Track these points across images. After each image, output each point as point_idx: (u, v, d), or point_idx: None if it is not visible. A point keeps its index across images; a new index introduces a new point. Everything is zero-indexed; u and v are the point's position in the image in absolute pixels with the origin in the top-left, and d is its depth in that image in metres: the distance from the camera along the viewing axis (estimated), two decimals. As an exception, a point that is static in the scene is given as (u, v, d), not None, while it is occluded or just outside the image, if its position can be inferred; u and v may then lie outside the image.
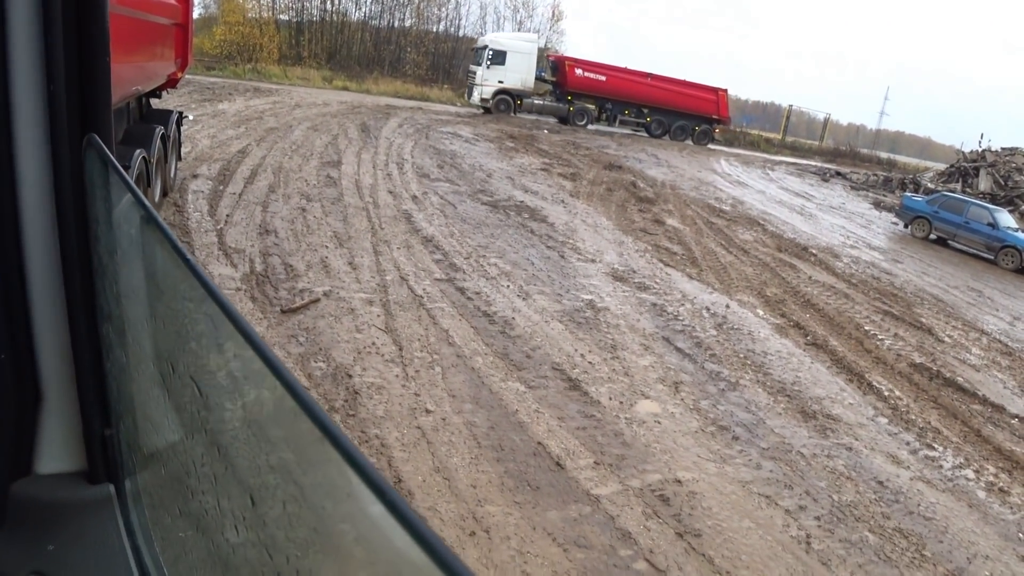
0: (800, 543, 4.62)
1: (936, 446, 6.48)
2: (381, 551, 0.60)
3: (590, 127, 32.62)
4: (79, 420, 1.23)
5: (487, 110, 31.13)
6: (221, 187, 10.86)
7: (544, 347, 6.89)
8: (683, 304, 9.04)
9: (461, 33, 46.23)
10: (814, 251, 14.02)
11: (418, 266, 8.61)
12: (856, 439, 6.29)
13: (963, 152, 30.48)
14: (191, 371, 0.96)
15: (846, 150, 48.21)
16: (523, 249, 10.23)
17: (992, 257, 18.08)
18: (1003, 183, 26.58)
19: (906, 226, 20.18)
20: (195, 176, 11.22)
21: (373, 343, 6.32)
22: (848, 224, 19.31)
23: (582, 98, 32.76)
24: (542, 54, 35.46)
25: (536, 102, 32.30)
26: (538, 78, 32.77)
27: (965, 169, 28.43)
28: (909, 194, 23.61)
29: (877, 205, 24.99)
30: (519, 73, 31.39)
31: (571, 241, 11.18)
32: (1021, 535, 5.33)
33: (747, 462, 5.51)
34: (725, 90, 35.11)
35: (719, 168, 26.90)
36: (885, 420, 6.81)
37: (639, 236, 12.56)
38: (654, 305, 8.77)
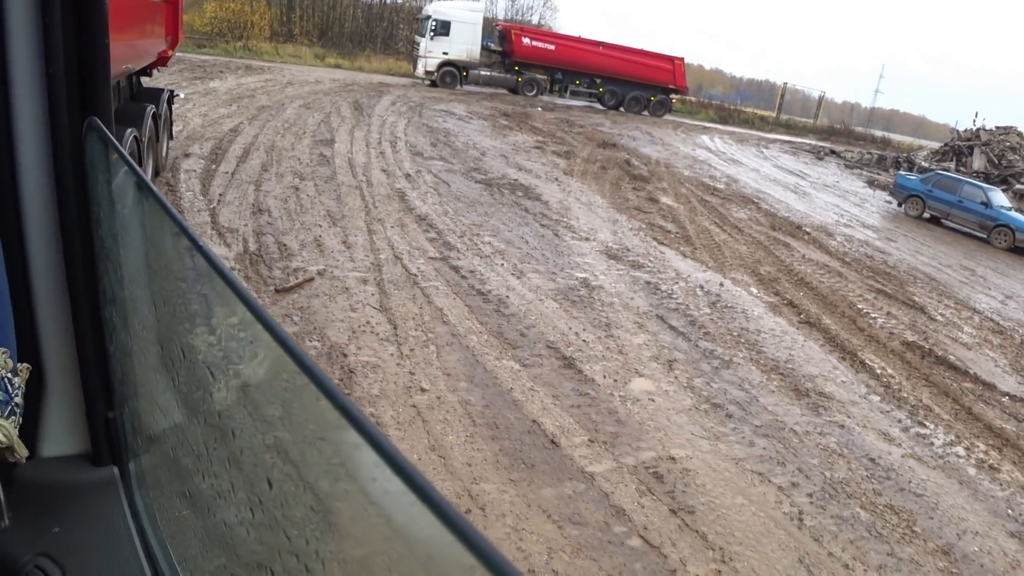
0: (792, 519, 4.67)
1: (927, 424, 6.53)
2: (391, 529, 0.60)
3: (542, 98, 31.68)
4: (82, 403, 1.23)
5: (433, 83, 30.11)
6: (213, 166, 10.79)
7: (538, 325, 6.90)
8: (677, 282, 9.05)
9: (454, 10, 45.82)
10: (808, 230, 14.04)
11: (412, 245, 8.59)
12: (848, 417, 6.34)
13: (957, 131, 30.47)
14: (195, 352, 0.96)
15: (840, 128, 48.14)
16: (517, 227, 10.21)
17: (985, 236, 18.13)
18: (997, 162, 26.59)
19: (900, 205, 20.21)
20: (187, 155, 11.14)
21: (368, 322, 6.32)
22: (842, 203, 19.31)
23: (531, 68, 31.76)
24: (488, 24, 34.17)
25: (483, 73, 31.29)
26: (485, 48, 31.74)
27: (959, 148, 28.42)
28: (903, 173, 23.60)
29: (871, 184, 25.00)
30: (464, 44, 30.44)
31: (565, 219, 11.16)
32: (1010, 511, 5.39)
33: (740, 440, 5.55)
34: (681, 59, 34.20)
35: (713, 146, 26.85)
36: (877, 398, 6.85)
37: (633, 214, 12.54)
38: (648, 283, 8.78)
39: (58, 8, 1.06)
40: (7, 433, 1.00)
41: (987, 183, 21.50)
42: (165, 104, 9.94)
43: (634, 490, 4.63)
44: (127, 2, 7.11)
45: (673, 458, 5.09)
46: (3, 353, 1.03)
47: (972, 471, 5.88)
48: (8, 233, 1.10)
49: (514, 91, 31.45)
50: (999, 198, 19.04)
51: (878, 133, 49.90)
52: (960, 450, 6.19)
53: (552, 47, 32.13)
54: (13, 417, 1.03)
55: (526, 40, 31.98)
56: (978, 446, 6.32)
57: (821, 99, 54.64)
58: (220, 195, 9.37)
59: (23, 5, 1.04)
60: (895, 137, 50.44)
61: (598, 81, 32.92)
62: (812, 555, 4.36)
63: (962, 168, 26.43)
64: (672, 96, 34.77)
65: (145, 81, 10.34)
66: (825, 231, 14.39)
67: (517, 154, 16.48)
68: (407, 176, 12.25)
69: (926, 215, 19.51)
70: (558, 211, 11.63)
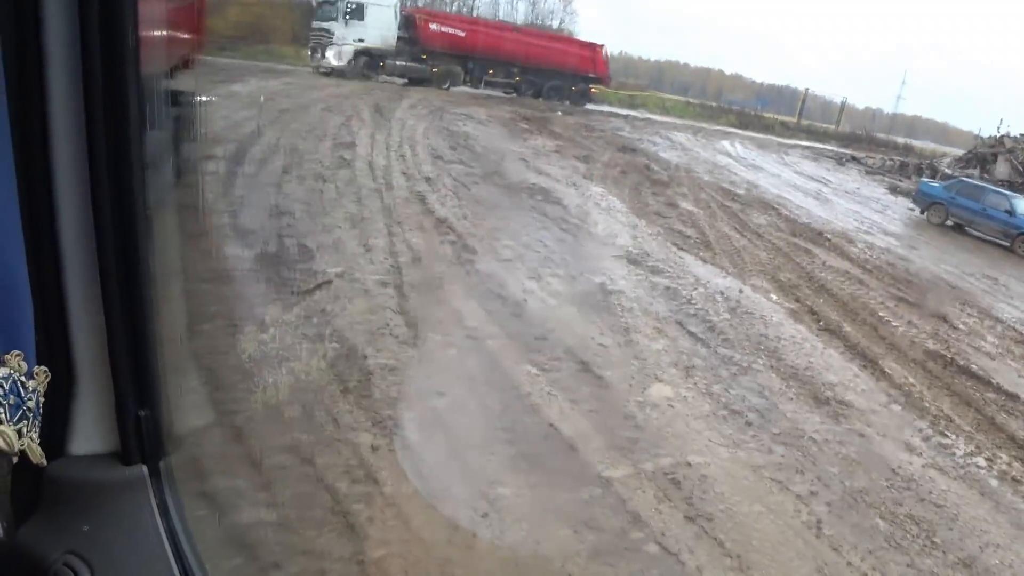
0: (811, 528, 4.63)
1: (949, 434, 6.46)
2: (410, 531, 0.61)
3: (454, 90, 29.06)
4: (112, 400, 1.24)
5: (341, 73, 27.12)
6: (235, 168, 10.88)
7: (557, 330, 6.90)
8: (696, 288, 9.02)
9: (474, 14, 45.91)
10: (829, 236, 13.93)
11: (431, 248, 8.62)
12: (869, 425, 6.28)
13: (981, 138, 30.15)
14: (224, 350, 0.98)
15: (862, 134, 47.64)
16: (536, 231, 10.21)
17: (1009, 244, 17.89)
18: (1021, 170, 26.28)
19: (922, 212, 19.99)
20: (209, 157, 11.23)
21: (387, 324, 6.34)
22: (863, 209, 19.15)
23: (441, 57, 29.22)
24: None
25: (399, 63, 28.54)
26: (400, 36, 29.00)
27: (983, 155, 28.12)
28: (926, 180, 23.38)
29: (893, 190, 24.76)
30: (380, 30, 27.90)
31: (584, 224, 11.16)
32: (1033, 523, 5.33)
33: (759, 447, 5.52)
34: (603, 45, 32.91)
35: (734, 152, 26.72)
36: (898, 407, 6.79)
37: (652, 219, 12.51)
38: (667, 289, 8.75)
39: (95, 6, 1.07)
40: (8, 440, 1.00)
41: (1011, 191, 21.23)
42: (187, 107, 10.02)
43: (651, 496, 4.62)
44: (150, 4, 7.19)
45: (691, 464, 5.07)
46: (17, 356, 1.03)
47: (994, 483, 5.81)
48: (41, 227, 1.11)
49: (429, 82, 28.81)
50: (1023, 206, 18.79)
51: (900, 139, 49.36)
52: (981, 461, 6.12)
53: (462, 33, 29.97)
54: (25, 422, 1.03)
55: (433, 26, 29.69)
56: (1001, 457, 6.24)
57: (843, 105, 54.15)
58: (241, 197, 9.46)
59: (60, 3, 1.06)
60: (917, 143, 49.82)
61: (514, 70, 30.84)
62: (831, 564, 4.33)
63: (986, 175, 26.13)
64: (592, 85, 33.12)
65: (168, 84, 10.43)
66: (846, 238, 14.27)
67: (537, 158, 16.48)
68: (427, 179, 12.28)
69: (949, 223, 19.28)
70: (577, 215, 11.62)
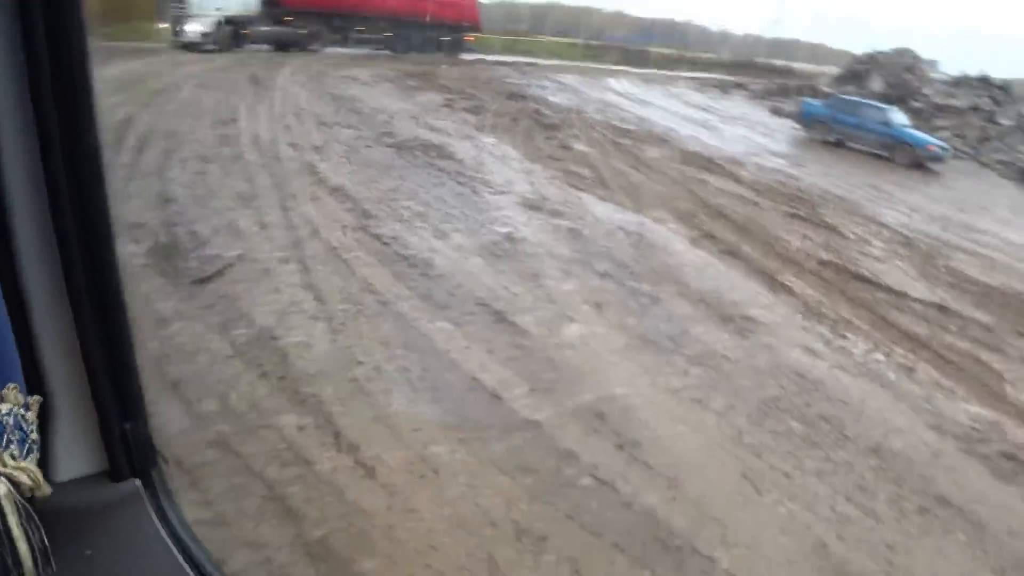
0: (733, 440, 4.85)
1: (848, 335, 6.84)
2: (348, 505, 0.59)
3: (330, 52, 27.37)
4: (95, 417, 1.17)
5: (205, 45, 24.42)
6: (111, 159, 10.29)
7: (466, 284, 6.89)
8: (598, 226, 9.15)
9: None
10: (720, 162, 14.34)
11: (329, 217, 8.42)
12: (775, 337, 6.58)
13: (856, 55, 31.43)
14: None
15: (744, 61, 48.94)
16: (433, 188, 10.11)
17: (888, 155, 18.84)
18: (893, 83, 27.57)
19: (806, 130, 20.78)
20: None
21: (294, 301, 6.19)
22: (751, 133, 19.77)
23: (306, 17, 26.97)
24: None
25: (263, 29, 26.20)
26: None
27: (858, 72, 29.34)
28: (807, 99, 24.26)
29: (776, 113, 25.62)
30: None
31: (481, 175, 11.10)
32: (927, 406, 5.74)
33: (675, 371, 5.71)
34: None
35: (621, 88, 27.00)
36: (800, 316, 7.13)
37: (547, 163, 12.56)
38: (570, 230, 8.85)
39: (39, 11, 0.98)
40: (33, 475, 0.95)
41: (887, 104, 22.28)
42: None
43: (579, 432, 4.72)
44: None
45: (613, 397, 5.20)
46: (13, 388, 0.98)
47: (892, 375, 6.21)
48: None
49: (297, 46, 26.80)
50: (899, 117, 19.77)
51: (780, 63, 50.92)
52: (880, 356, 6.52)
53: None
54: (32, 455, 0.98)
55: None
56: (896, 351, 6.66)
57: (722, 34, 55.47)
58: (121, 189, 8.96)
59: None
60: (797, 66, 51.50)
61: (383, 25, 29.57)
62: (754, 469, 4.55)
63: (862, 91, 27.30)
64: (465, 34, 32.80)
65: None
66: (736, 162, 14.72)
67: (426, 114, 16.23)
68: (315, 148, 11.91)
69: (831, 139, 20.12)
70: (473, 168, 11.53)
